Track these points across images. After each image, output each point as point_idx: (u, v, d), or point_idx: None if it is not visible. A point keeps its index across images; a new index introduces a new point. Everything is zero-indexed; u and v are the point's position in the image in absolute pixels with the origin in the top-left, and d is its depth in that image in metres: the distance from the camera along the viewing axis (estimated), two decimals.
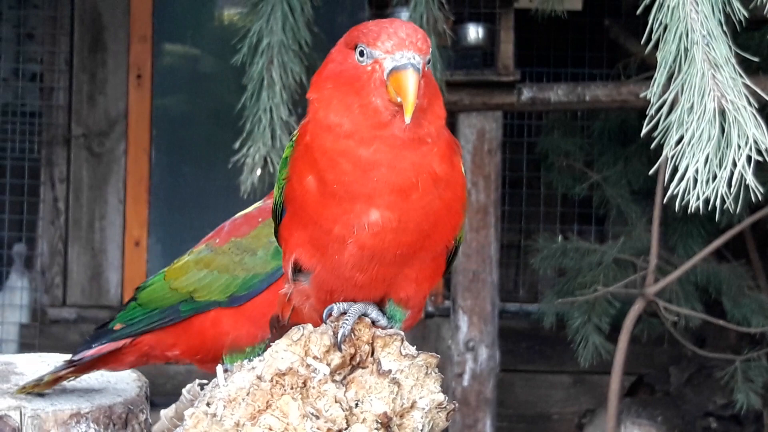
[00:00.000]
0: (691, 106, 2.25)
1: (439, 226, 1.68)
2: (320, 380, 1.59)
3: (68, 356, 1.91)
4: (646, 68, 5.23)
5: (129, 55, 6.38)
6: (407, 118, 1.54)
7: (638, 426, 5.24)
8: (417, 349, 1.70)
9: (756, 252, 5.62)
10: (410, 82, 1.55)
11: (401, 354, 1.67)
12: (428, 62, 1.63)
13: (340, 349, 1.64)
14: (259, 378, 1.61)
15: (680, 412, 5.65)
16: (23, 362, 1.86)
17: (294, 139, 1.74)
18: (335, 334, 1.65)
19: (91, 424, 1.66)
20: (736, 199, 2.21)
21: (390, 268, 1.66)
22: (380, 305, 1.73)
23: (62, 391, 1.73)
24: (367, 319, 1.69)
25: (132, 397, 1.74)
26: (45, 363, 1.87)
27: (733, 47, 2.34)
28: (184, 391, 2.01)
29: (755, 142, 2.19)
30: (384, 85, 1.57)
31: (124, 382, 1.80)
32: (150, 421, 1.81)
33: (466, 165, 4.72)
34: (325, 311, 1.70)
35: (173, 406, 2.05)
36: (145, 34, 6.40)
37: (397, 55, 1.58)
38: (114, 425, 1.69)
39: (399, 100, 1.55)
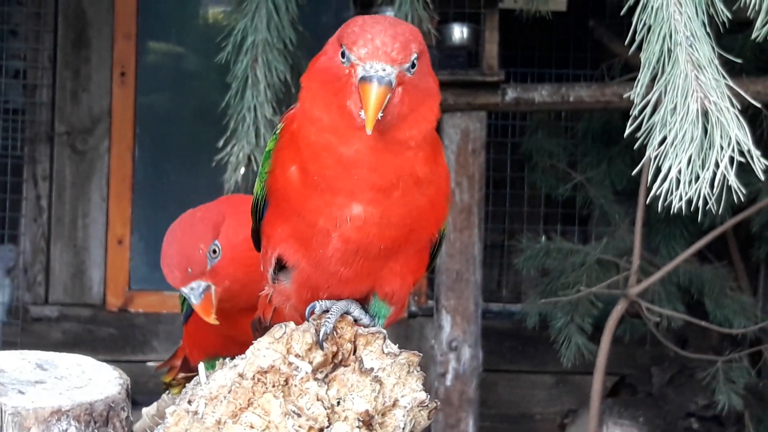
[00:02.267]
0: (675, 107, 2.26)
1: (423, 221, 1.68)
2: (302, 378, 1.59)
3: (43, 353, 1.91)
4: (629, 69, 5.25)
5: (113, 52, 6.36)
6: (368, 130, 1.53)
7: (620, 426, 5.25)
8: (399, 348, 1.70)
9: (738, 253, 5.64)
10: (372, 96, 1.53)
11: (383, 352, 1.67)
12: (412, 67, 1.60)
13: (322, 348, 1.64)
14: (240, 376, 1.61)
15: (662, 412, 5.67)
16: (4, 359, 1.85)
17: (278, 131, 1.74)
18: (317, 332, 1.65)
19: (72, 422, 1.65)
20: (718, 200, 2.21)
21: (375, 261, 1.66)
22: (364, 301, 1.73)
23: (43, 388, 1.73)
24: (350, 318, 1.69)
25: (113, 395, 1.73)
26: (26, 360, 1.86)
27: (716, 49, 2.35)
28: None
29: (738, 143, 2.20)
30: (357, 92, 1.56)
31: (105, 380, 1.80)
32: (131, 419, 1.81)
33: (450, 165, 4.73)
34: (308, 309, 1.70)
35: (155, 404, 2.05)
36: (129, 31, 6.38)
37: (367, 65, 1.55)
38: (95, 423, 1.68)
39: None
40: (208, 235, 1.86)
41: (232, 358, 1.72)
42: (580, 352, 5.02)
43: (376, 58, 1.56)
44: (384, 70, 1.55)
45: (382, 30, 1.59)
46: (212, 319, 1.83)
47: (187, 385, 2.29)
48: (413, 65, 1.60)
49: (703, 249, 5.07)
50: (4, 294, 6.27)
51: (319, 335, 1.64)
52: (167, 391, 2.45)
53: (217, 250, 1.86)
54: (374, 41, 1.57)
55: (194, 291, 1.84)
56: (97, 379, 1.80)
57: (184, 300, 2.25)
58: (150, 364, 4.27)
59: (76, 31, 6.34)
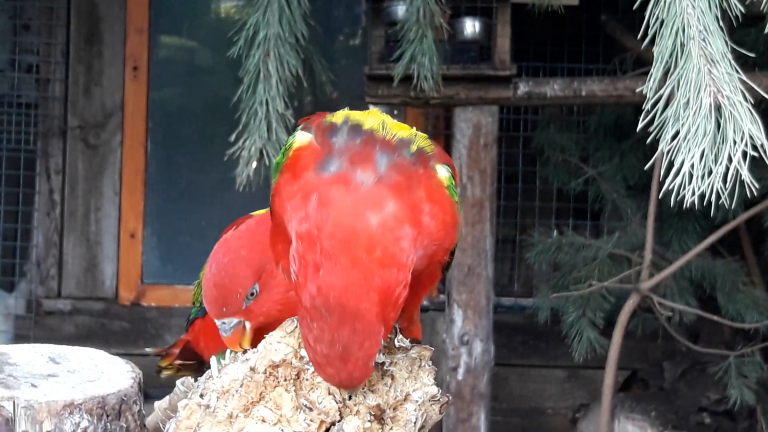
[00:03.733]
0: (687, 102, 2.25)
1: (433, 261, 1.65)
2: (314, 372, 1.59)
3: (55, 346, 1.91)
4: (642, 64, 5.23)
5: (125, 47, 6.37)
6: None
7: (631, 421, 5.25)
8: (411, 342, 1.70)
9: (751, 248, 5.63)
10: None
11: (395, 346, 1.67)
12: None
13: None
14: (252, 370, 1.61)
15: (674, 407, 5.66)
16: (16, 352, 1.86)
17: (288, 148, 1.67)
18: None
19: (85, 415, 1.65)
20: (731, 195, 2.21)
21: None
22: None
23: (55, 382, 1.73)
24: None
25: (126, 389, 1.74)
26: (39, 354, 1.86)
27: (729, 43, 2.34)
28: (178, 383, 2.01)
29: (751, 137, 2.20)
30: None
31: (118, 374, 1.80)
32: (144, 412, 1.81)
33: (461, 159, 4.74)
34: None
35: (167, 397, 2.05)
36: (141, 26, 6.39)
37: None
38: (107, 416, 1.68)
39: None
40: (249, 281, 1.87)
41: (245, 351, 1.73)
42: (591, 346, 5.01)
43: None
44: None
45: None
46: (238, 348, 1.85)
47: (181, 370, 2.30)
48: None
49: (716, 243, 5.06)
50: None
51: None
52: (160, 373, 2.49)
53: (255, 293, 1.87)
54: None
55: (225, 325, 1.86)
56: (109, 373, 1.80)
57: (196, 299, 2.26)
58: (147, 350, 4.28)
59: (89, 25, 6.35)
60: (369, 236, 1.46)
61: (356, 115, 1.63)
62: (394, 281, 1.47)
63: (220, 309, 1.86)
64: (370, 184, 1.51)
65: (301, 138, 1.62)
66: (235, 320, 1.86)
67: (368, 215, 1.48)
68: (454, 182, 1.66)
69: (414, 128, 1.67)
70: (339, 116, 1.64)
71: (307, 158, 1.58)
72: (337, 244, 1.46)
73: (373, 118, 1.63)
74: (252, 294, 1.86)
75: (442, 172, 1.62)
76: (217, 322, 1.87)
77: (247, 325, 1.87)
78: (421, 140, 1.63)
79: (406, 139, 1.60)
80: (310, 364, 1.59)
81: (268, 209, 1.85)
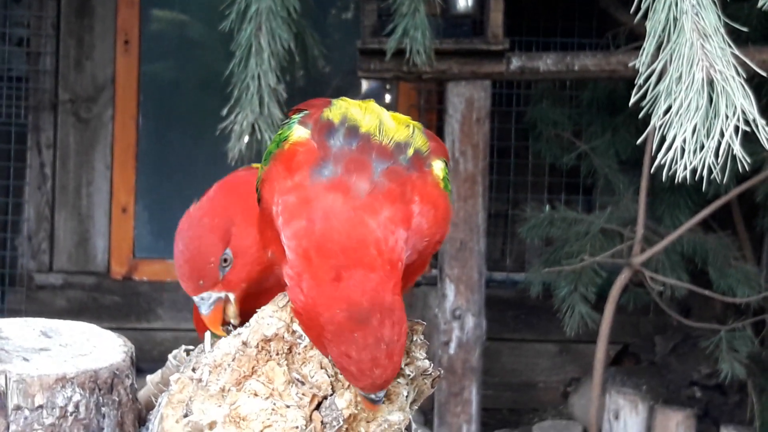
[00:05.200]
0: (680, 76, 2.25)
1: (424, 254, 1.67)
2: (306, 346, 1.59)
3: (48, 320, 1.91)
4: (635, 38, 5.23)
5: (116, 20, 6.34)
6: None
7: (623, 395, 5.27)
8: None
9: (742, 223, 5.64)
10: None
11: None
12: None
13: None
14: (244, 344, 1.61)
15: (665, 381, 5.69)
16: (8, 326, 1.85)
17: (285, 139, 1.67)
18: None
19: (77, 389, 1.65)
20: (723, 170, 2.21)
21: None
22: None
23: (47, 356, 1.73)
24: None
25: (118, 363, 1.74)
26: (31, 328, 1.86)
27: (722, 17, 2.33)
28: (170, 356, 2.01)
29: (743, 112, 2.19)
30: None
31: (110, 348, 1.80)
32: (136, 386, 1.81)
33: (454, 134, 4.73)
34: None
35: (159, 371, 2.05)
36: None
37: None
38: (99, 390, 1.68)
39: None
40: (218, 247, 1.82)
41: (235, 327, 1.72)
42: (583, 320, 5.03)
43: None
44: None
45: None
46: (220, 331, 1.80)
47: None
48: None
49: (707, 218, 5.07)
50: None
51: None
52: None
53: (228, 258, 1.82)
54: None
55: (204, 302, 1.80)
56: (101, 347, 1.80)
57: None
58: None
59: None
60: (376, 241, 1.49)
61: (354, 114, 1.62)
62: (398, 276, 1.51)
63: (196, 283, 1.81)
64: (366, 193, 1.53)
65: (299, 133, 1.62)
66: (214, 295, 1.81)
67: (370, 222, 1.50)
68: (447, 170, 1.67)
69: (411, 124, 1.66)
70: (337, 114, 1.62)
71: (303, 156, 1.58)
72: (352, 253, 1.48)
73: (370, 117, 1.62)
74: (225, 261, 1.81)
75: (437, 169, 1.63)
76: (196, 300, 1.82)
77: (231, 296, 1.82)
78: (417, 140, 1.63)
79: (403, 143, 1.60)
80: (303, 338, 1.60)
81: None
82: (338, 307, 1.46)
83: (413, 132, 1.64)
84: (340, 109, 1.63)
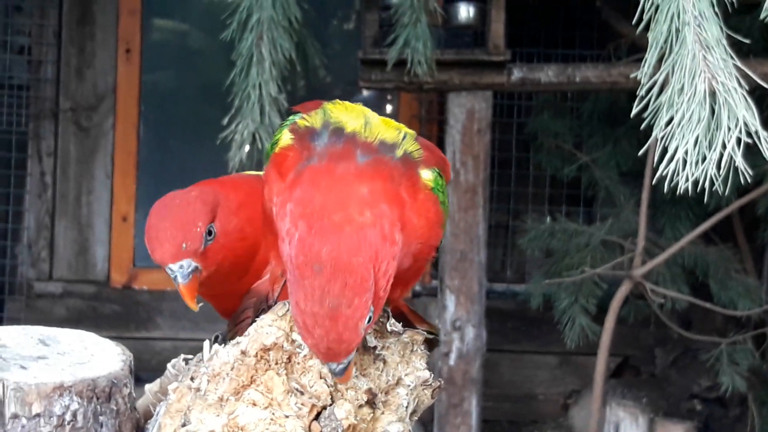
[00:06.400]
0: (682, 88, 2.24)
1: (419, 258, 1.66)
2: (305, 356, 1.59)
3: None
4: (636, 50, 5.23)
5: (118, 29, 6.35)
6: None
7: (623, 407, 5.25)
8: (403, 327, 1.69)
9: (743, 235, 5.63)
10: None
11: (387, 330, 1.66)
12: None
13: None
14: (243, 353, 1.60)
15: (665, 393, 5.67)
16: (6, 334, 1.85)
17: (276, 137, 1.69)
18: None
19: (75, 397, 1.64)
20: (725, 182, 2.20)
21: None
22: None
23: (45, 364, 1.72)
24: None
25: (116, 371, 1.73)
26: (29, 336, 1.85)
27: (724, 29, 2.33)
28: (168, 365, 2.00)
29: (745, 124, 2.19)
30: None
31: (108, 356, 1.79)
32: (134, 395, 1.80)
33: (455, 145, 4.73)
34: None
35: (158, 380, 2.04)
36: (134, 8, 6.36)
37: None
38: (98, 399, 1.67)
39: None
40: (207, 216, 1.81)
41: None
42: (583, 332, 5.02)
43: None
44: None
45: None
46: (193, 305, 1.78)
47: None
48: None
49: (708, 231, 5.06)
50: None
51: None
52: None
53: (212, 231, 1.81)
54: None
55: (183, 270, 1.76)
56: (99, 355, 1.79)
57: None
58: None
59: (81, 7, 6.33)
60: (360, 199, 1.48)
61: (339, 116, 1.63)
62: (382, 246, 1.47)
63: (178, 247, 1.76)
64: (353, 169, 1.53)
65: (286, 138, 1.64)
66: (193, 264, 1.78)
67: (357, 184, 1.50)
68: (442, 181, 1.67)
69: (401, 129, 1.66)
70: (317, 120, 1.64)
71: (291, 161, 1.60)
72: (329, 205, 1.47)
73: (356, 118, 1.63)
74: (210, 233, 1.79)
75: (426, 176, 1.63)
76: (172, 268, 1.78)
77: (200, 272, 1.80)
78: (408, 144, 1.63)
79: (390, 143, 1.61)
80: (302, 347, 1.59)
81: None
82: (299, 248, 1.45)
83: (403, 136, 1.64)
84: (322, 113, 1.64)
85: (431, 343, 1.81)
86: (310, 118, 1.65)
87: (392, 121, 1.67)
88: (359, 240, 1.45)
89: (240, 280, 1.86)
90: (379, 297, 1.48)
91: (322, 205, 1.48)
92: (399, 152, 1.61)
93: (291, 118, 1.69)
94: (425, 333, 1.73)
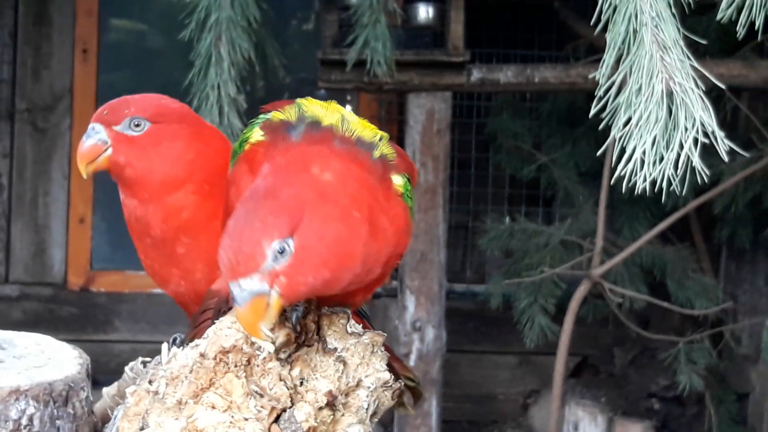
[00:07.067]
0: (640, 88, 2.25)
1: (387, 266, 1.66)
2: (265, 358, 1.58)
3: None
4: (594, 51, 5.26)
5: (75, 29, 6.30)
6: None
7: (582, 407, 5.28)
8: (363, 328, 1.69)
9: (700, 235, 5.68)
10: None
11: (347, 332, 1.66)
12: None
13: (296, 332, 1.62)
14: (202, 355, 1.59)
15: (624, 393, 5.71)
16: None
17: (244, 136, 1.69)
18: (282, 311, 1.63)
19: (31, 402, 1.62)
20: (682, 182, 2.21)
21: (335, 297, 1.65)
22: None
23: (1, 368, 1.70)
24: (314, 300, 1.68)
25: (73, 375, 1.71)
26: None
27: (681, 30, 2.34)
28: (126, 368, 1.99)
29: (702, 124, 2.20)
30: None
31: (65, 360, 1.77)
32: (91, 398, 1.78)
33: (414, 145, 4.73)
34: None
35: (115, 383, 2.03)
36: (91, 8, 6.31)
37: None
38: (54, 402, 1.66)
39: None
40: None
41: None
42: (543, 332, 5.04)
43: None
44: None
45: None
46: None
47: None
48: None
49: (666, 230, 5.10)
50: None
51: (291, 321, 1.62)
52: None
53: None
54: None
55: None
56: (56, 359, 1.77)
57: None
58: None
59: (37, 7, 6.27)
60: (325, 165, 1.54)
61: (314, 111, 1.63)
62: (321, 200, 1.49)
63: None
64: (328, 150, 1.56)
65: (258, 135, 1.63)
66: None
67: (330, 159, 1.55)
68: (410, 187, 1.67)
69: (377, 132, 1.66)
70: (292, 113, 1.63)
71: (262, 157, 1.59)
72: (293, 163, 1.53)
73: (332, 113, 1.63)
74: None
75: (397, 182, 1.62)
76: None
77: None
78: (384, 147, 1.63)
79: (368, 142, 1.61)
80: (261, 349, 1.58)
81: None
82: (252, 187, 1.51)
83: (379, 138, 1.64)
84: (297, 108, 1.64)
85: (414, 393, 1.80)
86: (285, 112, 1.64)
87: (367, 122, 1.67)
88: (302, 181, 1.49)
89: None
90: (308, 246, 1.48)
91: (287, 162, 1.52)
92: (376, 153, 1.61)
93: (261, 116, 1.68)
94: (408, 381, 1.74)
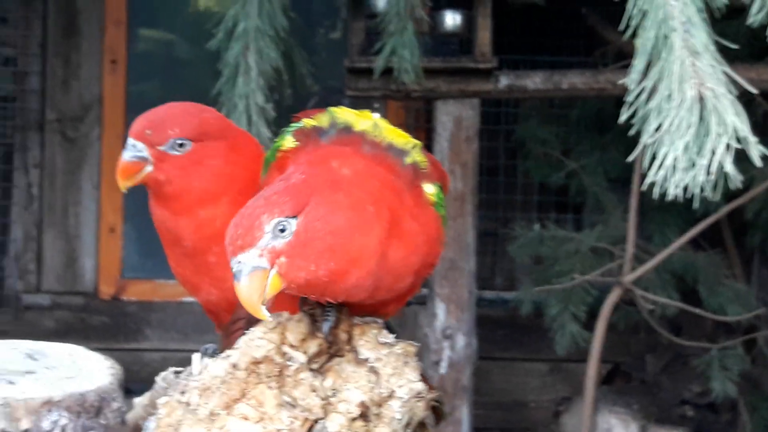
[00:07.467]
0: (670, 94, 2.24)
1: (418, 278, 1.66)
2: (296, 369, 1.57)
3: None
4: (623, 56, 5.22)
5: (103, 39, 6.33)
6: None
7: (614, 414, 5.24)
8: (395, 338, 1.68)
9: (732, 241, 5.63)
10: None
11: (379, 342, 1.65)
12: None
13: (328, 342, 1.61)
14: (234, 366, 1.58)
15: (656, 400, 5.66)
16: None
17: (276, 144, 1.70)
18: (314, 321, 1.63)
19: (63, 413, 1.63)
20: (714, 188, 2.20)
21: (366, 307, 1.65)
22: None
23: (33, 379, 1.71)
24: (345, 308, 1.67)
25: (105, 385, 1.72)
26: (16, 350, 1.84)
27: (712, 34, 2.33)
28: (158, 378, 1.99)
29: (734, 129, 2.18)
30: None
31: (97, 370, 1.78)
32: (124, 409, 1.79)
33: (443, 153, 4.72)
34: (300, 297, 1.67)
35: (147, 394, 2.03)
36: (119, 18, 6.34)
37: None
38: (87, 413, 1.66)
39: None
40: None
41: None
42: (574, 339, 5.01)
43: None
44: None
45: None
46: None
47: None
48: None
49: (697, 236, 5.06)
50: None
51: (322, 330, 1.61)
52: None
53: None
54: None
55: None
56: (88, 369, 1.78)
57: None
58: None
59: (67, 18, 6.30)
60: (349, 163, 1.56)
61: (347, 117, 1.64)
62: (329, 193, 1.50)
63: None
64: (355, 152, 1.58)
65: (290, 142, 1.64)
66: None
67: (356, 159, 1.57)
68: (443, 196, 1.67)
69: (410, 140, 1.66)
70: (325, 120, 1.64)
71: (292, 157, 1.60)
72: (315, 158, 1.58)
73: (364, 119, 1.64)
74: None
75: (428, 191, 1.62)
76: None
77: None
78: (416, 155, 1.63)
79: (399, 148, 1.61)
80: (293, 360, 1.57)
81: None
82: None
83: (412, 146, 1.63)
84: (329, 115, 1.64)
85: (438, 413, 1.80)
86: (317, 119, 1.65)
87: (401, 131, 1.67)
88: (317, 171, 1.52)
89: None
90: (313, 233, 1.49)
91: (309, 159, 1.56)
92: (408, 159, 1.60)
93: (293, 125, 1.69)
94: (433, 397, 1.73)
